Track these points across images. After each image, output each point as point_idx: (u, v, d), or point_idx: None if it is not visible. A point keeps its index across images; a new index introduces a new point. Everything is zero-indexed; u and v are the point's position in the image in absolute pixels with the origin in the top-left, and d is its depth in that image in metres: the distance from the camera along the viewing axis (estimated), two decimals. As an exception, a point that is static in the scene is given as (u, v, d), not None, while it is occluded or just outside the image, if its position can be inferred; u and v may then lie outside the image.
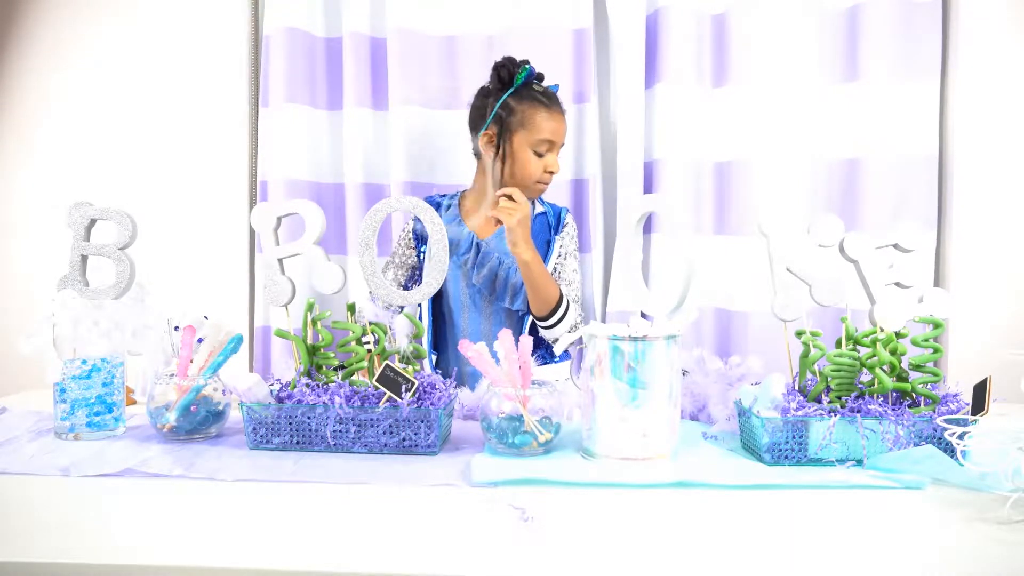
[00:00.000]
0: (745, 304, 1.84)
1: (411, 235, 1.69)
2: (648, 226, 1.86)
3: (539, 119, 1.57)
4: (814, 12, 1.81)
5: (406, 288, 1.66)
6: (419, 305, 1.66)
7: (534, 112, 1.57)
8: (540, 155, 1.58)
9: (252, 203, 1.96)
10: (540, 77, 1.64)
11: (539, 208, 1.68)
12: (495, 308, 1.62)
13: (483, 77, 1.67)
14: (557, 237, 1.65)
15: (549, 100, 1.60)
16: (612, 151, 1.92)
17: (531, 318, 1.60)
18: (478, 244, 1.61)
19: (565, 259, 1.65)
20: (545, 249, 1.65)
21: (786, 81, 1.82)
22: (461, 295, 1.64)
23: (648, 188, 1.88)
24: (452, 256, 1.60)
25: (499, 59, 1.61)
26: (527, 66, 1.59)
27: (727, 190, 1.86)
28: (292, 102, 1.90)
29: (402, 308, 1.52)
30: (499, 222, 1.52)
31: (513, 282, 1.59)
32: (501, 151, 1.59)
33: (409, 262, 1.67)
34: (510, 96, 1.58)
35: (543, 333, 1.56)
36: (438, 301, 1.68)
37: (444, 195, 1.73)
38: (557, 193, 1.85)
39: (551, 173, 1.61)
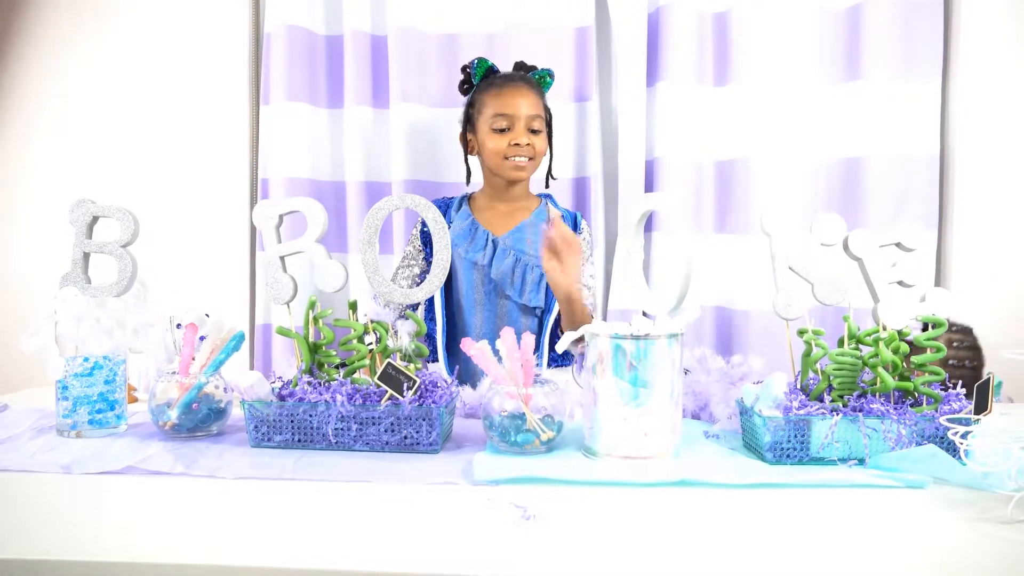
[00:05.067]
0: (747, 303, 1.84)
1: (419, 239, 1.68)
2: (649, 224, 1.86)
3: (489, 99, 1.60)
4: (815, 11, 1.81)
5: None
6: (432, 308, 1.63)
7: (485, 95, 1.61)
8: (503, 131, 1.58)
9: (253, 201, 1.96)
10: (522, 66, 1.67)
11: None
12: (510, 306, 1.61)
13: (484, 76, 1.68)
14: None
15: (504, 80, 1.62)
16: (613, 150, 1.92)
17: (550, 321, 1.60)
18: (494, 241, 1.61)
19: (583, 264, 1.65)
20: None
21: (787, 80, 1.82)
22: (475, 293, 1.62)
23: (649, 187, 1.88)
24: (467, 254, 1.61)
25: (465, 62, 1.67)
26: (483, 61, 1.64)
27: (728, 189, 1.87)
28: (293, 100, 1.90)
29: (414, 308, 1.52)
30: (552, 255, 1.46)
31: (530, 278, 1.59)
32: (473, 146, 1.65)
33: (418, 268, 1.66)
34: (474, 93, 1.64)
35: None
36: (450, 303, 1.66)
37: (452, 198, 1.72)
38: (559, 192, 1.85)
39: (518, 146, 1.58)
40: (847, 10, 1.80)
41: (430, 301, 1.62)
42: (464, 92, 1.68)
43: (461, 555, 0.70)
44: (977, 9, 1.71)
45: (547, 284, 1.60)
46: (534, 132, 1.60)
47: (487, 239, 1.61)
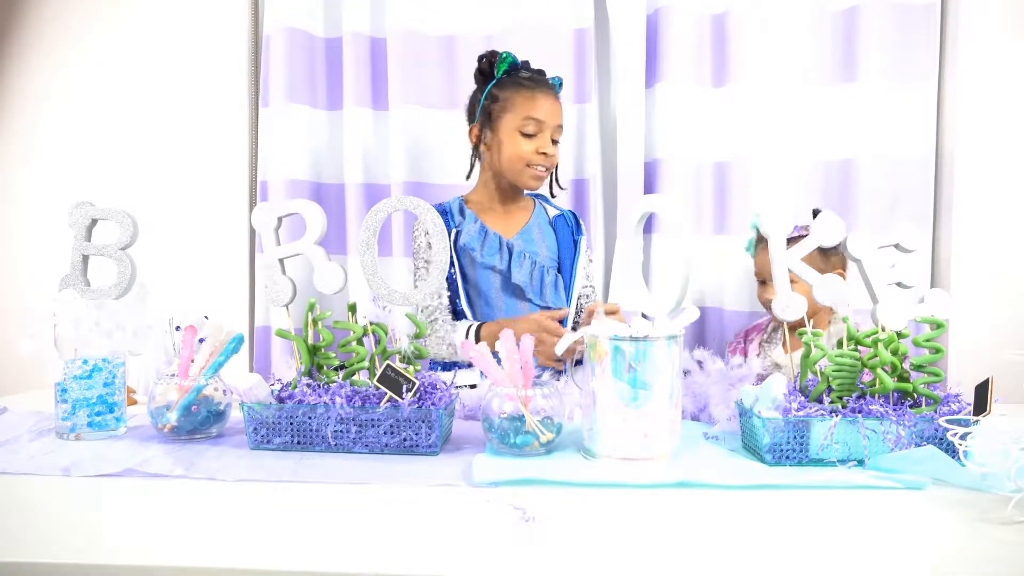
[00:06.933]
0: (745, 304, 1.84)
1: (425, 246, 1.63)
2: (648, 226, 1.87)
3: (521, 99, 1.54)
4: (812, 13, 1.82)
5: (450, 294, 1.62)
6: (463, 312, 1.58)
7: (516, 95, 1.55)
8: (529, 136, 1.54)
9: (252, 203, 1.96)
10: (530, 67, 1.63)
11: (553, 211, 1.68)
12: (531, 308, 1.58)
13: (483, 77, 1.66)
14: (581, 238, 1.66)
15: (534, 83, 1.57)
16: (612, 151, 1.92)
17: (570, 320, 1.59)
18: (508, 245, 1.58)
19: (591, 261, 1.65)
20: (573, 249, 1.65)
21: (785, 81, 1.82)
22: (495, 297, 1.58)
23: (648, 188, 1.88)
24: (482, 258, 1.56)
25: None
26: (508, 55, 1.58)
27: (727, 190, 1.87)
28: (292, 102, 1.90)
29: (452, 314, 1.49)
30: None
31: (548, 280, 1.58)
32: (487, 140, 1.58)
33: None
34: (494, 87, 1.57)
35: None
36: (471, 307, 1.60)
37: (445, 202, 1.63)
38: (559, 193, 1.85)
39: (544, 155, 1.55)
40: (843, 12, 1.80)
41: (458, 307, 1.57)
42: (481, 83, 1.60)
43: (461, 557, 0.70)
44: (972, 12, 1.72)
45: (562, 284, 1.61)
46: (554, 142, 1.57)
47: (500, 242, 1.57)
